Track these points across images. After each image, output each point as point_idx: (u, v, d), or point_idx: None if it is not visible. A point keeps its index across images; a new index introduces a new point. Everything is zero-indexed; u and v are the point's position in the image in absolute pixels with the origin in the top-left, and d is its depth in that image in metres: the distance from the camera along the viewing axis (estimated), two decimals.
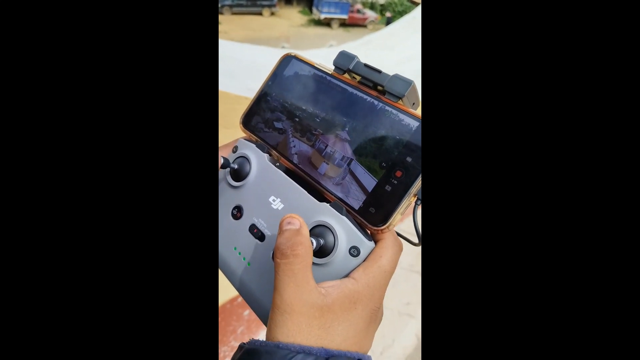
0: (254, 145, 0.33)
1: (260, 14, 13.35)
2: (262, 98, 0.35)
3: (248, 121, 0.36)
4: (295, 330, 0.23)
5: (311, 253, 0.25)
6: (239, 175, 0.32)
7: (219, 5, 12.81)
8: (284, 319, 0.23)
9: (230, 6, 12.93)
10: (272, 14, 13.62)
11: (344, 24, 13.74)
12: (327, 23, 13.51)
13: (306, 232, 0.25)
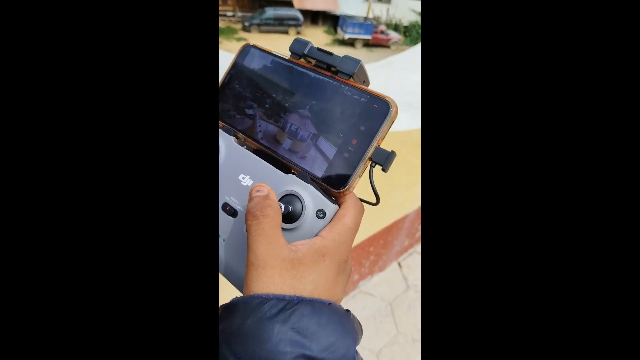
0: (221, 130, 0.36)
1: (286, 32, 13.77)
2: (225, 86, 0.38)
3: None
4: (269, 281, 0.25)
5: (280, 214, 0.27)
6: None
7: (247, 24, 13.35)
8: (259, 273, 0.25)
9: (258, 25, 13.41)
10: (298, 33, 14.01)
11: (367, 44, 13.98)
12: (351, 43, 13.78)
13: (274, 196, 0.28)
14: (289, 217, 0.30)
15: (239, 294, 0.30)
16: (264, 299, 0.24)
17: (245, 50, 0.38)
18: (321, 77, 0.33)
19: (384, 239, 2.03)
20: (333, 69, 0.32)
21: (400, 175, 2.35)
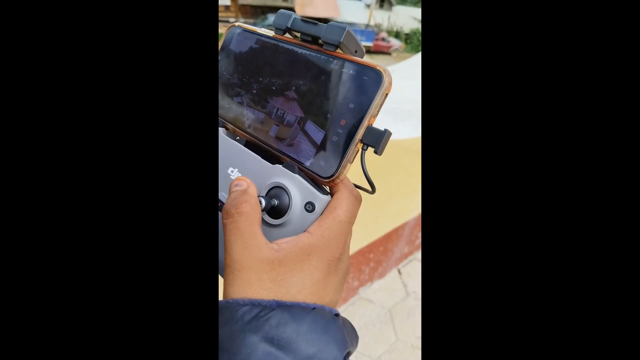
0: None
1: None
2: None
3: None
4: (246, 285, 0.23)
5: (258, 210, 0.25)
6: None
7: None
8: (234, 277, 0.23)
9: None
10: None
11: (369, 51, 14.05)
12: None
13: (253, 191, 0.25)
14: (276, 212, 0.27)
15: None
16: (238, 305, 0.22)
17: (231, 32, 0.35)
18: (306, 52, 0.29)
19: (384, 245, 2.03)
20: (320, 41, 0.28)
21: (400, 182, 2.35)
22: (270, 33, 0.32)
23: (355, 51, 0.28)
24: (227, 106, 0.33)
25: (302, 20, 0.29)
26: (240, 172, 0.30)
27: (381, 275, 2.19)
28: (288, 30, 0.30)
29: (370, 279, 2.12)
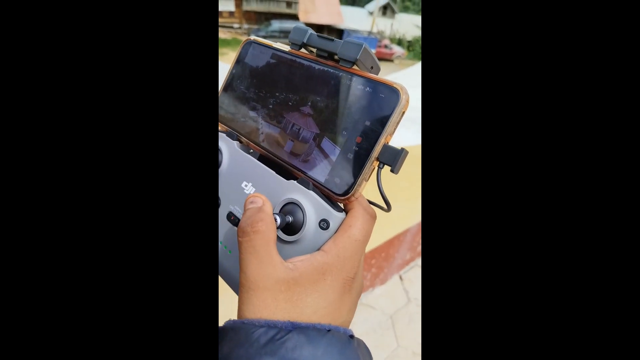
0: (224, 135, 0.33)
1: None
2: (228, 87, 0.35)
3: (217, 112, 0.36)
4: (261, 305, 0.23)
5: (274, 228, 0.25)
6: None
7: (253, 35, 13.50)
8: (249, 296, 0.23)
9: (264, 37, 13.57)
10: None
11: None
12: None
13: (269, 209, 0.25)
14: (290, 229, 0.27)
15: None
16: (254, 326, 0.22)
17: (247, 46, 0.35)
18: (322, 68, 0.29)
19: (386, 251, 2.02)
20: (336, 57, 0.29)
21: (402, 188, 2.35)
22: (286, 48, 0.32)
23: (371, 67, 0.28)
24: (242, 120, 0.33)
25: (318, 36, 0.30)
26: (254, 187, 0.30)
27: (383, 282, 2.18)
28: (304, 45, 0.31)
29: (372, 285, 2.11)
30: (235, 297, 0.29)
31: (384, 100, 0.26)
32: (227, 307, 0.31)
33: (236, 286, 0.29)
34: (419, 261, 2.43)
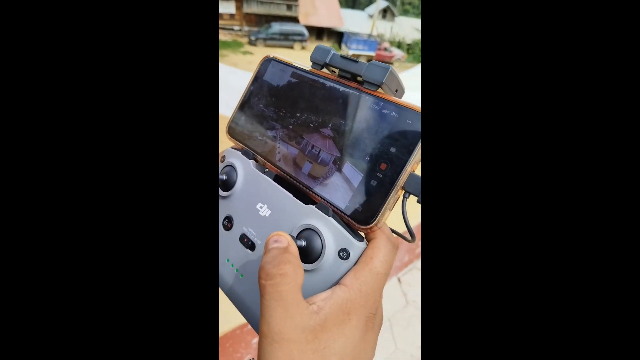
0: (239, 153, 0.33)
1: (291, 47, 13.98)
2: (245, 104, 0.34)
3: (233, 129, 0.35)
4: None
5: (301, 272, 0.23)
6: (227, 185, 0.32)
7: (253, 38, 13.59)
8: (273, 349, 0.21)
9: (264, 39, 13.64)
10: (303, 47, 14.21)
11: (370, 60, 14.12)
12: None
13: (295, 250, 0.23)
14: (307, 256, 0.25)
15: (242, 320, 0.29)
16: None
17: (266, 63, 0.34)
18: (345, 89, 0.28)
19: None
20: (359, 78, 0.28)
21: None
22: (307, 67, 0.32)
23: (396, 90, 0.27)
24: (260, 138, 0.32)
25: (341, 57, 0.29)
26: (270, 209, 0.29)
27: None
28: (326, 65, 0.30)
29: None
30: (238, 315, 0.29)
31: (411, 126, 0.25)
32: (228, 307, 0.31)
33: (249, 316, 0.28)
34: (417, 264, 2.42)
